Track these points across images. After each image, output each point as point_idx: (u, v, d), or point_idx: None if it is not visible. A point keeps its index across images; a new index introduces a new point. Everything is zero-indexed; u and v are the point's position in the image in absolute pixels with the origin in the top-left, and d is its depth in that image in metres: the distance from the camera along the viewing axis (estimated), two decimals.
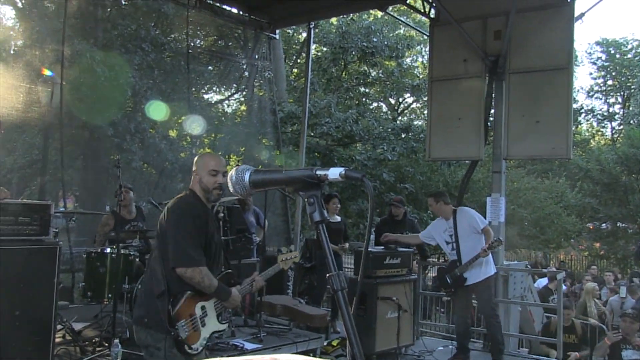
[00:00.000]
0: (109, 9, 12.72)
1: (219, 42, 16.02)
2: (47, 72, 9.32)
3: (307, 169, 1.28)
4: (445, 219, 6.87)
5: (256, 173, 1.35)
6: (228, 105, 18.85)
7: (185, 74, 11.46)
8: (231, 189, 1.38)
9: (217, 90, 17.66)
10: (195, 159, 3.66)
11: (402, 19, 17.07)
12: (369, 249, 6.92)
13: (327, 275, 1.27)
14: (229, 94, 18.35)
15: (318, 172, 1.26)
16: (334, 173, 1.25)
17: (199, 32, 15.30)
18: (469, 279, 6.62)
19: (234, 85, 16.74)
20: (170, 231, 3.42)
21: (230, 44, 15.69)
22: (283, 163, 11.73)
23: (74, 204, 11.10)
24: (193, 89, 13.10)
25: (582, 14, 8.20)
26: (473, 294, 6.90)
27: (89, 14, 11.62)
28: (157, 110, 11.08)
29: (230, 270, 3.85)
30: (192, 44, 13.78)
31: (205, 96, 16.89)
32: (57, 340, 5.20)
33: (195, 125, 11.56)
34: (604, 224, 22.97)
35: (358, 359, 1.21)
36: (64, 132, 9.64)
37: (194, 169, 3.60)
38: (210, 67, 15.08)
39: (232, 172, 1.37)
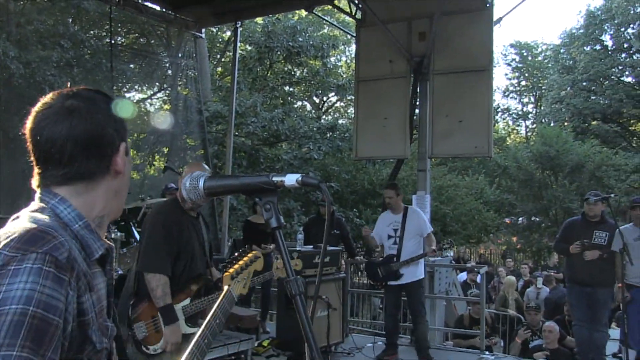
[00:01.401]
0: (21, 2, 12.17)
1: (141, 39, 15.64)
2: None
3: (263, 175, 1.28)
4: (394, 212, 6.87)
5: (210, 179, 1.32)
6: (151, 104, 18.46)
7: (107, 72, 11.09)
8: (185, 196, 1.35)
9: (140, 88, 17.26)
10: (186, 166, 3.92)
11: (327, 18, 17.17)
12: (299, 249, 6.92)
13: (285, 280, 1.27)
14: (152, 92, 17.95)
15: (274, 179, 1.26)
16: (291, 179, 1.25)
17: (119, 29, 14.87)
18: (405, 276, 6.64)
19: (157, 84, 16.40)
20: (144, 238, 3.73)
21: (152, 42, 15.36)
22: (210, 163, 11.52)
23: None
24: (114, 88, 12.71)
25: (500, 18, 8.50)
26: (404, 292, 6.96)
27: (0, 7, 11.07)
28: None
29: (203, 275, 3.87)
30: (113, 42, 13.37)
31: (128, 95, 16.46)
32: None
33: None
34: (520, 219, 23.93)
35: None
36: None
37: (182, 175, 3.79)
38: (132, 65, 14.69)
39: (185, 179, 1.34)
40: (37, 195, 1.30)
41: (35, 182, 1.32)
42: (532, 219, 23.01)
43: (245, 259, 2.77)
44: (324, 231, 1.40)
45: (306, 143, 16.51)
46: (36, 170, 1.32)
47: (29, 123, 1.30)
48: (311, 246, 7.13)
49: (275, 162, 16.00)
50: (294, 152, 16.57)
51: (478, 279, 10.73)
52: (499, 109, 34.61)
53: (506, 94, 35.78)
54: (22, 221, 1.21)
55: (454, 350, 7.93)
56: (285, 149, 17.40)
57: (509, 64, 35.30)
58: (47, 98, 1.31)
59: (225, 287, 2.45)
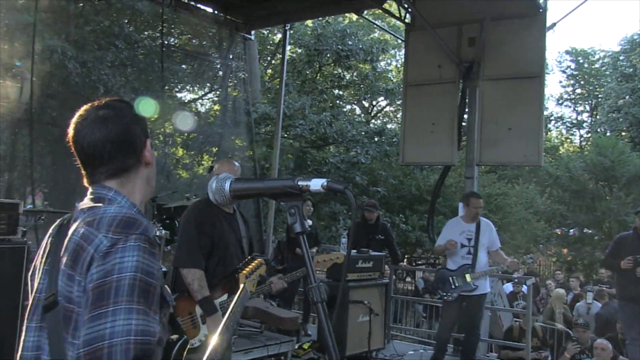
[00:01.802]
0: (81, 4, 12.55)
1: (193, 40, 15.91)
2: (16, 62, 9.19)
3: (288, 179, 1.28)
4: (467, 221, 6.68)
5: (237, 182, 1.34)
6: (202, 105, 18.75)
7: (159, 72, 11.32)
8: (211, 197, 1.38)
9: (191, 89, 17.56)
10: (217, 163, 4.16)
11: (377, 22, 17.10)
12: (342, 253, 6.90)
13: (308, 286, 1.26)
14: (203, 93, 18.25)
15: (300, 183, 1.26)
16: (316, 184, 1.25)
17: (173, 30, 15.17)
18: (479, 287, 6.49)
19: (208, 84, 16.64)
20: (178, 235, 3.97)
21: (204, 43, 15.61)
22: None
23: (43, 202, 10.89)
24: (166, 87, 12.97)
25: (554, 24, 8.32)
26: (465, 303, 6.67)
27: (61, 8, 11.42)
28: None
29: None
30: (166, 42, 13.65)
31: (179, 95, 16.79)
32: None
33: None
34: (571, 230, 23.28)
35: None
36: (33, 128, 9.45)
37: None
38: (184, 66, 14.96)
39: (212, 180, 1.37)
40: (91, 190, 1.60)
41: (86, 181, 1.62)
42: (584, 230, 22.35)
43: (253, 264, 3.19)
44: (350, 236, 1.39)
45: (354, 147, 16.48)
46: (84, 172, 1.62)
47: (70, 133, 1.60)
48: (354, 250, 7.11)
49: (322, 165, 16.01)
50: (342, 155, 16.56)
51: (524, 290, 10.47)
52: (552, 117, 33.76)
53: (560, 101, 34.91)
54: (104, 211, 1.50)
55: None
56: (332, 152, 17.40)
57: (563, 71, 34.46)
58: (82, 111, 1.62)
59: (242, 285, 2.88)
